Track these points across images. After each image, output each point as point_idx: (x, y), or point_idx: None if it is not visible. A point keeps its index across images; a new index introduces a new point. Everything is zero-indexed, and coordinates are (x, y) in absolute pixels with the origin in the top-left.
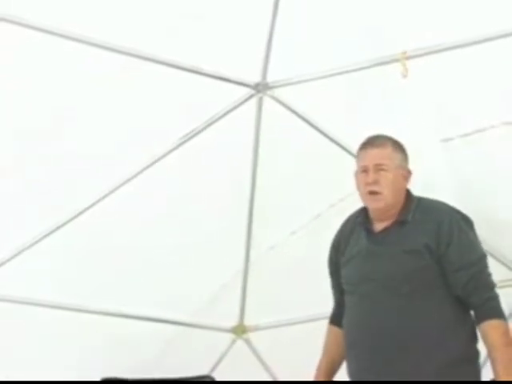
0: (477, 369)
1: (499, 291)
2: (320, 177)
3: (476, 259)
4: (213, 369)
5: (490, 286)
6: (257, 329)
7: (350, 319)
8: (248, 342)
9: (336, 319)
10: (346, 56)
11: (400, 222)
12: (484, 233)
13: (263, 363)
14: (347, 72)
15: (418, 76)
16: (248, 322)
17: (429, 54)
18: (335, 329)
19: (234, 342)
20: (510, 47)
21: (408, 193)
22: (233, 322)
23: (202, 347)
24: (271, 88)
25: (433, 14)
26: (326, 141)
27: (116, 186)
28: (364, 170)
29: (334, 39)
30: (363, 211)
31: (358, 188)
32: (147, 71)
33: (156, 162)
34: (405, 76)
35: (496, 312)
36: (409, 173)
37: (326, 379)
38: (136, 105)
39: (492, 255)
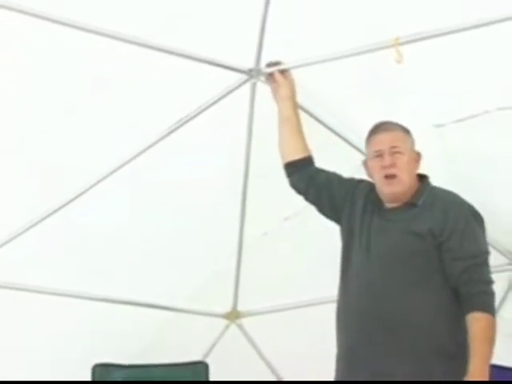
0: (462, 366)
1: (494, 276)
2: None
3: (476, 253)
4: (206, 354)
5: (485, 281)
6: (250, 314)
7: (346, 289)
8: (241, 327)
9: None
10: (339, 42)
11: (410, 204)
12: None
13: (256, 349)
14: (341, 58)
15: (412, 62)
16: (241, 307)
17: (423, 39)
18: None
19: (227, 327)
20: (505, 33)
21: (424, 178)
22: (226, 307)
23: (196, 333)
24: (264, 73)
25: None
26: (320, 127)
27: (108, 173)
28: (378, 155)
29: (328, 25)
30: (375, 189)
31: (372, 175)
32: (140, 57)
33: (149, 147)
34: (399, 62)
35: (483, 305)
36: (418, 155)
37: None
38: (129, 91)
39: None
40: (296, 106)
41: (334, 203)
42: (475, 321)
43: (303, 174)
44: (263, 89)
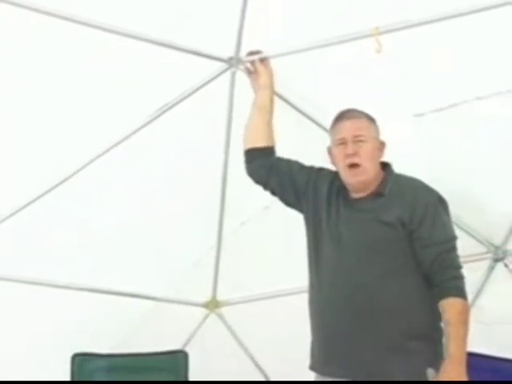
0: (437, 347)
1: (470, 265)
2: (292, 151)
3: (445, 239)
4: (185, 344)
5: (456, 266)
6: (229, 303)
7: (322, 281)
8: (221, 316)
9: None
10: (318, 31)
11: (376, 194)
12: (454, 207)
13: (236, 338)
14: (320, 47)
15: (392, 51)
16: (220, 296)
17: (402, 29)
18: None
19: (206, 316)
20: (483, 22)
21: (388, 166)
22: (205, 296)
23: (175, 322)
24: (244, 62)
25: None
26: (298, 115)
27: (88, 161)
28: (342, 143)
29: (308, 13)
30: (340, 177)
31: (335, 162)
32: (121, 46)
33: (129, 136)
34: (379, 51)
35: (456, 290)
36: (382, 144)
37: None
38: (109, 79)
39: (463, 229)
40: (272, 96)
41: (296, 190)
42: (449, 306)
43: (264, 163)
44: (243, 78)
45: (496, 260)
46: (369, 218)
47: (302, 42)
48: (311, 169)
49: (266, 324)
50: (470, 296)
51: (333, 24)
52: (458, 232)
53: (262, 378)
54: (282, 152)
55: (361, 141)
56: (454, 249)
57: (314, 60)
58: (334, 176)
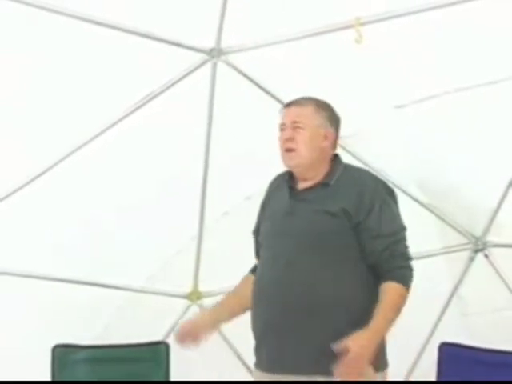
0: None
1: (451, 256)
2: (274, 142)
3: (395, 230)
4: (167, 335)
5: (405, 256)
6: (211, 294)
7: (262, 273)
8: (202, 307)
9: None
10: (300, 22)
11: (322, 184)
12: (435, 198)
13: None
14: (301, 38)
15: (372, 42)
16: (202, 287)
17: (383, 20)
18: (252, 277)
19: (188, 307)
20: (463, 14)
21: (336, 157)
22: (187, 287)
23: (157, 313)
24: (225, 54)
25: None
26: (280, 107)
27: (70, 152)
28: (282, 129)
29: (289, 4)
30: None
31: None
32: (102, 36)
33: (110, 127)
34: (359, 42)
35: (402, 278)
36: (331, 134)
37: (223, 315)
38: (91, 70)
39: (444, 221)
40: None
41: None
42: (389, 288)
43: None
44: (224, 68)
45: (476, 251)
46: (312, 208)
47: (283, 33)
48: (260, 208)
49: (247, 315)
50: (450, 286)
51: (314, 15)
52: (439, 223)
53: (243, 371)
54: (268, 144)
55: (298, 127)
56: (403, 239)
57: (295, 51)
58: (278, 177)
